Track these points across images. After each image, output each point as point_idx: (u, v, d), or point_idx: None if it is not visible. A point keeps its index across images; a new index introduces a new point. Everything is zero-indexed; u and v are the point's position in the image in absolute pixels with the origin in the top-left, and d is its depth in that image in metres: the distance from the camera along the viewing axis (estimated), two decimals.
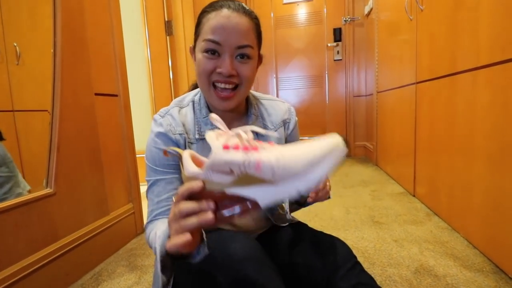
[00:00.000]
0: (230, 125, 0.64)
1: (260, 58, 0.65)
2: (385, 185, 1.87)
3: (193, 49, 0.62)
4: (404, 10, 1.62)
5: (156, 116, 0.63)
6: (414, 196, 1.62)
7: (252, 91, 0.72)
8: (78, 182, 1.04)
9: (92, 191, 1.11)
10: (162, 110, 0.64)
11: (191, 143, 0.62)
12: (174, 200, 0.41)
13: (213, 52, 0.56)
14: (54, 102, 0.97)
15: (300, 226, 0.69)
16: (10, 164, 0.90)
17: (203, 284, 0.51)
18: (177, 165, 0.62)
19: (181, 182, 0.62)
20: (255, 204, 0.37)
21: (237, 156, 0.36)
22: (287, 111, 0.72)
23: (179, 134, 0.61)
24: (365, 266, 0.95)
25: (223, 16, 0.55)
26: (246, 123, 0.65)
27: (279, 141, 0.68)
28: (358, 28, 2.80)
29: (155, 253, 0.50)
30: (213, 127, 0.62)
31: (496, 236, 0.91)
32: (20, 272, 0.81)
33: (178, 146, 0.60)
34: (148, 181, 0.63)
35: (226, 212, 0.38)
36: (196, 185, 0.38)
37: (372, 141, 2.56)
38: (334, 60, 2.88)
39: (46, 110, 0.98)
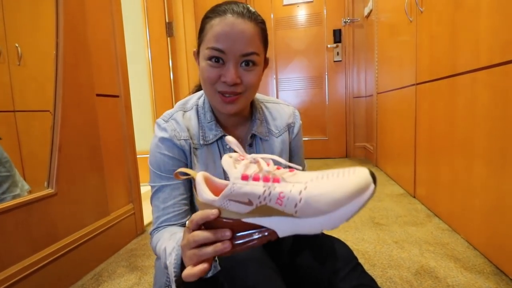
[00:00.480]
0: (234, 130, 0.65)
1: (266, 62, 0.63)
2: (385, 186, 1.87)
3: (196, 54, 0.61)
4: (404, 11, 1.62)
5: (160, 120, 0.61)
6: (414, 197, 1.62)
7: (257, 94, 0.71)
8: (79, 183, 1.04)
9: (93, 191, 1.11)
10: (166, 114, 0.63)
11: (196, 148, 0.61)
12: (187, 226, 0.40)
13: (217, 60, 0.54)
14: (56, 103, 0.97)
15: None
16: (6, 164, 0.89)
17: (206, 286, 0.51)
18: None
19: (187, 188, 0.61)
20: (273, 233, 0.35)
21: (257, 188, 0.34)
22: (291, 114, 0.72)
23: (184, 140, 0.59)
24: (366, 267, 0.95)
25: (227, 23, 0.53)
26: (251, 128, 0.64)
27: (283, 146, 0.68)
28: (358, 29, 2.81)
29: (165, 268, 0.49)
30: (218, 132, 0.61)
31: (497, 238, 0.91)
32: (20, 273, 0.81)
33: (183, 152, 0.59)
34: (152, 187, 0.62)
35: (242, 241, 0.37)
36: (212, 214, 0.37)
37: (372, 142, 2.56)
38: (334, 61, 2.89)
39: (48, 111, 0.98)
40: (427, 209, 1.44)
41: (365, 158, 2.86)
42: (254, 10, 0.57)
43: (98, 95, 1.14)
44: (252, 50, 0.54)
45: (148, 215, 1.41)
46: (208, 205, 0.38)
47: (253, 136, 0.65)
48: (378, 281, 0.86)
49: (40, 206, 0.89)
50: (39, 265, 0.86)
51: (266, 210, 0.34)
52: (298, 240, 0.64)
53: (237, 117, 0.64)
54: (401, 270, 0.93)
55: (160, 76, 2.09)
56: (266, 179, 0.34)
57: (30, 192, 0.91)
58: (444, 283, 0.85)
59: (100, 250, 1.12)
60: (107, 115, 1.20)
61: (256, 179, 0.35)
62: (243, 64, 0.55)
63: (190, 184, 0.62)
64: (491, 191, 0.93)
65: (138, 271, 1.04)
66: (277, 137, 0.67)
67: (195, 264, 0.38)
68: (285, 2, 2.92)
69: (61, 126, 0.97)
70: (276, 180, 0.34)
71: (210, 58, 0.55)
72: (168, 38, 2.01)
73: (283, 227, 0.34)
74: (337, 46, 2.85)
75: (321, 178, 0.34)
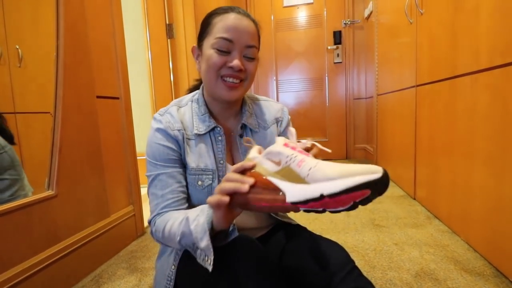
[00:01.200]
0: (226, 122, 0.70)
1: (257, 60, 0.70)
2: None
3: (197, 48, 0.67)
4: (404, 13, 1.63)
5: (156, 114, 0.68)
6: (414, 199, 1.62)
7: (248, 93, 0.77)
8: (79, 184, 1.04)
9: (93, 193, 1.11)
10: (162, 109, 0.69)
11: (189, 139, 0.66)
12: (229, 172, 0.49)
13: (224, 49, 0.61)
14: (56, 104, 0.97)
15: (298, 230, 0.69)
16: (18, 167, 0.91)
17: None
18: (177, 159, 0.65)
19: (183, 177, 0.66)
20: (282, 196, 0.41)
21: (288, 151, 0.44)
22: (280, 110, 0.77)
23: (178, 130, 0.65)
24: (366, 269, 0.95)
25: (235, 17, 0.61)
26: (241, 119, 0.70)
27: (271, 137, 0.73)
28: (358, 31, 2.81)
29: (180, 242, 0.55)
30: (210, 123, 0.67)
31: (497, 240, 0.91)
32: (21, 274, 0.81)
33: (177, 142, 0.65)
34: (148, 176, 0.65)
35: (258, 194, 0.44)
36: (248, 164, 0.47)
37: (372, 144, 2.56)
38: (334, 62, 2.89)
39: (48, 112, 0.98)
40: (427, 211, 1.44)
41: (365, 159, 2.86)
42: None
43: (98, 97, 1.15)
44: (254, 43, 0.63)
45: (148, 216, 1.40)
46: (250, 161, 0.47)
47: (244, 127, 0.70)
48: (378, 283, 0.86)
49: (41, 208, 0.89)
50: (40, 267, 0.86)
51: (287, 172, 0.42)
52: (296, 243, 0.64)
53: (229, 110, 0.69)
54: (401, 272, 0.93)
55: (160, 78, 2.09)
56: (293, 148, 0.44)
57: (33, 195, 0.92)
58: (444, 285, 0.85)
59: (100, 252, 1.12)
60: (107, 117, 1.20)
61: (293, 148, 0.44)
62: (245, 56, 0.63)
63: (185, 172, 0.66)
64: (491, 193, 0.93)
65: (138, 272, 1.04)
66: (266, 130, 0.73)
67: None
68: (285, 4, 2.93)
69: (62, 128, 0.97)
70: (306, 154, 0.43)
71: (218, 47, 0.61)
72: (168, 40, 2.02)
73: (293, 192, 0.40)
74: (337, 48, 2.86)
75: (342, 166, 0.40)
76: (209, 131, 0.66)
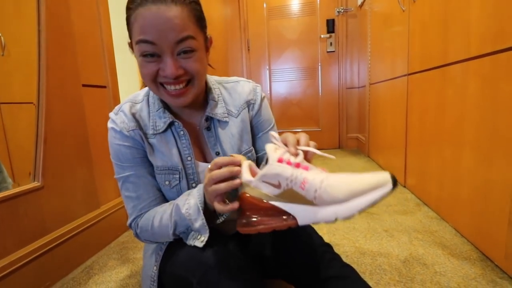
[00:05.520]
0: (189, 115, 0.64)
1: (209, 41, 0.59)
2: None
3: (130, 46, 0.57)
4: (397, 1, 1.61)
5: (111, 113, 0.62)
6: (404, 186, 1.64)
7: (215, 77, 0.68)
8: (66, 176, 1.02)
9: (82, 184, 1.09)
10: (116, 107, 0.63)
11: (149, 138, 0.60)
12: (209, 168, 0.47)
13: (151, 54, 0.50)
14: (39, 93, 0.94)
15: None
16: None
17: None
18: (142, 158, 0.60)
19: (152, 175, 0.61)
20: (293, 221, 0.39)
21: (287, 170, 0.39)
22: (251, 91, 0.67)
23: (133, 130, 0.59)
24: (356, 255, 0.96)
25: (150, 11, 0.48)
26: (205, 111, 0.62)
27: (243, 125, 0.65)
28: (351, 19, 2.78)
29: (174, 233, 0.55)
30: (166, 119, 0.59)
31: (483, 225, 0.93)
32: (8, 267, 0.79)
33: (137, 141, 0.60)
34: (118, 179, 0.62)
35: (268, 221, 0.41)
36: (236, 159, 0.45)
37: (365, 133, 2.58)
38: (327, 51, 2.87)
39: (32, 103, 0.95)
40: (417, 198, 1.46)
41: (358, 149, 2.88)
42: None
43: (84, 85, 1.11)
44: (186, 34, 0.50)
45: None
46: (246, 185, 0.44)
47: (210, 119, 0.63)
48: (368, 269, 0.88)
49: (27, 199, 0.87)
50: (28, 259, 0.85)
51: (291, 195, 0.39)
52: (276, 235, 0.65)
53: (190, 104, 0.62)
54: (391, 258, 0.95)
55: None
56: (296, 166, 0.39)
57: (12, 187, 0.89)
58: (432, 270, 0.87)
59: (91, 243, 1.11)
60: (95, 106, 1.17)
61: (288, 163, 0.40)
62: (181, 53, 0.51)
63: (153, 170, 0.62)
64: (478, 180, 0.95)
65: (129, 263, 1.04)
66: (236, 117, 0.65)
67: (216, 199, 0.46)
68: None
69: (46, 118, 0.94)
70: (305, 168, 0.39)
71: (143, 53, 0.51)
72: None
73: (304, 214, 0.38)
74: (330, 37, 2.83)
75: (346, 174, 0.38)
76: (168, 127, 0.60)
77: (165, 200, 0.63)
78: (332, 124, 2.96)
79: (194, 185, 0.61)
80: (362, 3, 2.54)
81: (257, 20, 2.93)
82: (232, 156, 0.47)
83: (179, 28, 0.49)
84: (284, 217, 0.39)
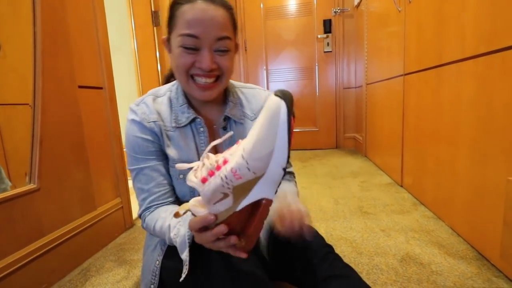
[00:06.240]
0: (207, 113, 0.66)
1: (237, 47, 0.64)
2: (374, 176, 1.90)
3: (166, 41, 0.61)
4: (393, 1, 1.62)
5: (132, 105, 0.64)
6: (401, 186, 1.65)
7: (233, 81, 0.72)
8: (63, 177, 1.01)
9: (78, 186, 1.08)
10: (138, 99, 0.65)
11: (168, 131, 0.62)
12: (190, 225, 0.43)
13: (191, 46, 0.54)
14: (35, 94, 0.93)
15: None
16: None
17: None
18: (157, 151, 0.62)
19: (166, 169, 0.63)
20: (265, 202, 0.38)
21: (216, 180, 0.37)
22: (267, 97, 0.72)
23: (153, 122, 0.61)
24: (353, 255, 0.97)
25: (199, 8, 0.53)
26: (224, 111, 0.66)
27: None
28: (348, 19, 2.79)
29: (169, 242, 0.54)
30: (190, 114, 0.62)
31: (479, 224, 0.94)
32: (4, 270, 0.79)
33: (155, 134, 0.61)
34: (131, 170, 0.63)
35: (252, 223, 0.39)
36: (209, 218, 0.40)
37: (362, 133, 2.59)
38: (324, 52, 2.88)
39: (28, 104, 0.94)
40: (413, 197, 1.47)
41: (355, 148, 2.89)
42: None
43: (80, 86, 1.11)
44: (226, 34, 0.55)
45: (136, 209, 1.39)
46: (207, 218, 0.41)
47: (227, 118, 0.66)
48: (365, 268, 0.88)
49: (23, 201, 0.87)
50: (24, 261, 0.84)
51: (240, 190, 0.37)
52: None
53: (211, 101, 0.65)
54: (387, 257, 0.95)
55: (146, 68, 2.04)
56: (218, 168, 0.37)
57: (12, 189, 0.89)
58: (428, 269, 0.88)
59: (88, 245, 1.10)
60: (91, 107, 1.17)
61: (211, 174, 0.38)
62: (218, 50, 0.56)
63: (167, 164, 0.63)
64: (474, 179, 0.95)
65: (126, 265, 1.03)
66: (252, 120, 0.68)
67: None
68: None
69: (42, 119, 0.93)
70: (225, 162, 0.37)
71: (184, 45, 0.55)
72: (155, 28, 1.96)
73: (263, 189, 0.37)
74: (327, 37, 2.84)
75: (249, 133, 0.36)
76: (189, 123, 0.62)
77: (174, 194, 0.65)
78: (329, 124, 2.97)
79: None
80: (359, 4, 2.55)
81: (254, 21, 2.93)
82: (182, 209, 0.45)
83: (222, 27, 0.54)
84: (257, 205, 0.39)
